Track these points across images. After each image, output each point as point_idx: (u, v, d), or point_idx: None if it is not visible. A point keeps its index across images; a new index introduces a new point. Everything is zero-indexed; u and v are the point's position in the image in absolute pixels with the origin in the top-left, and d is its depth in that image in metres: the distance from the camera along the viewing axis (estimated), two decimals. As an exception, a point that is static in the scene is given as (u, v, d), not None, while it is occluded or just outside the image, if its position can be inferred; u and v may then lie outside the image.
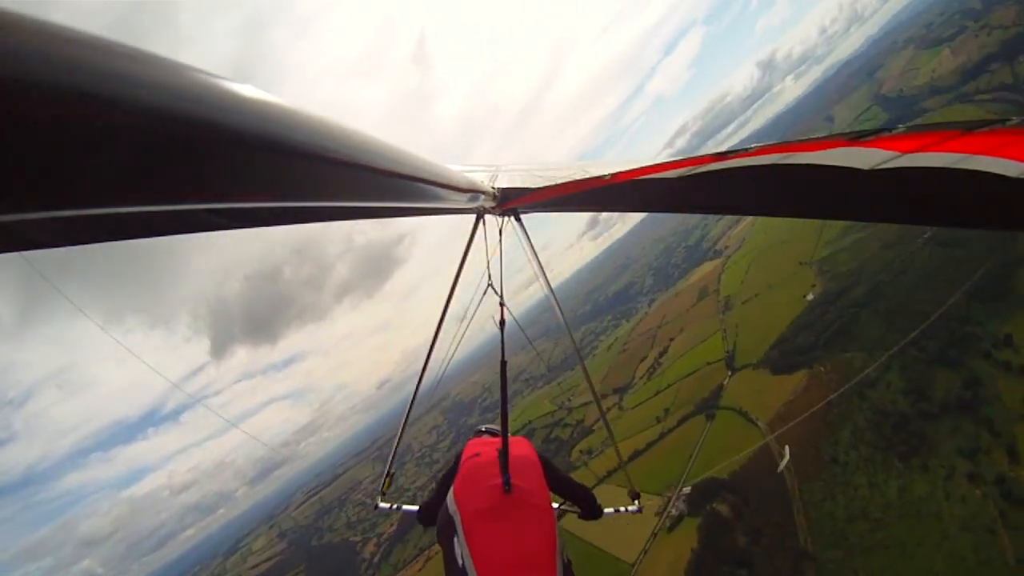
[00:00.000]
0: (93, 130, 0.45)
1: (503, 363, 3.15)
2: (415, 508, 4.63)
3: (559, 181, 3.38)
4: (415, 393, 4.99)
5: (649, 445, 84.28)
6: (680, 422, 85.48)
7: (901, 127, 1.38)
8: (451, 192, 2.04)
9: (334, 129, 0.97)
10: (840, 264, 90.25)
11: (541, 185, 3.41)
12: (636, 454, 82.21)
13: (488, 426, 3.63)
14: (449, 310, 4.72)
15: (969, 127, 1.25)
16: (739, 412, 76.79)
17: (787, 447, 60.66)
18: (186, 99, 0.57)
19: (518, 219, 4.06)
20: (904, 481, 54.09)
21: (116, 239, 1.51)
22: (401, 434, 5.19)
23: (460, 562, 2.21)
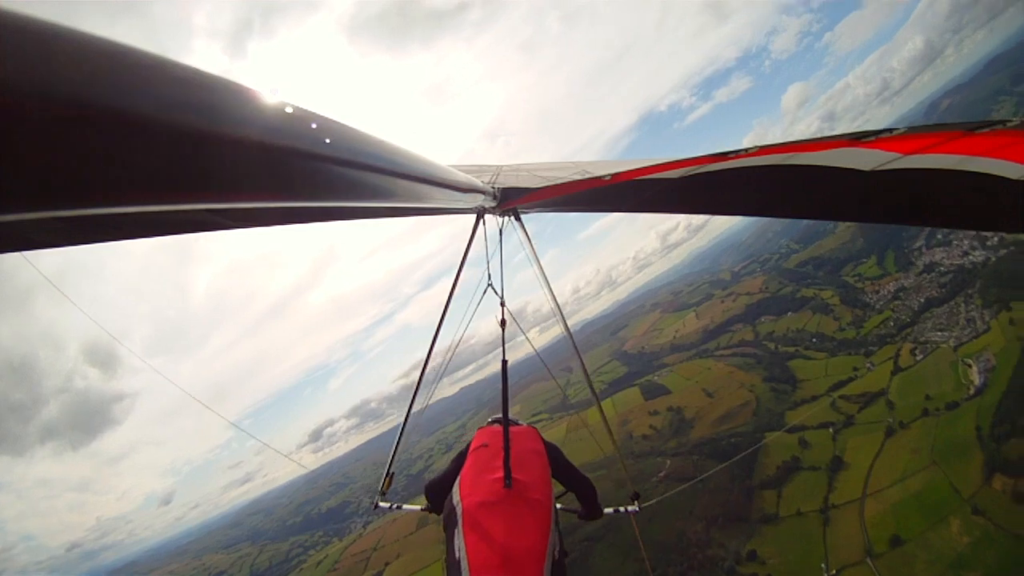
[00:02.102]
0: (93, 130, 0.45)
1: (504, 362, 3.20)
2: (415, 507, 4.64)
3: (559, 181, 3.38)
4: (416, 389, 5.00)
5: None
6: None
7: (901, 128, 1.37)
8: (452, 192, 2.04)
9: (334, 128, 0.96)
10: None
11: (542, 185, 3.41)
12: None
13: (500, 416, 3.63)
14: (449, 311, 4.73)
15: (971, 128, 1.25)
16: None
17: None
18: (187, 99, 0.57)
19: (518, 219, 4.06)
20: None
21: (116, 239, 1.51)
22: (402, 432, 5.19)
23: (457, 555, 2.25)
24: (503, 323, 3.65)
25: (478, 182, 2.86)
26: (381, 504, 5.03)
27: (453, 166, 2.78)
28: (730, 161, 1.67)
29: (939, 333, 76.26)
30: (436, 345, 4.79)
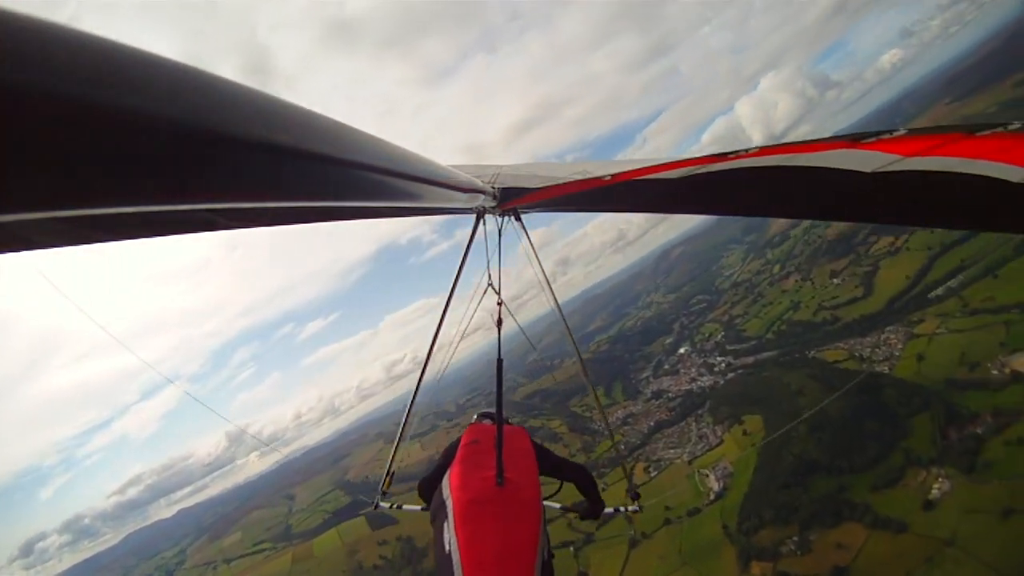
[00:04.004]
0: (93, 130, 0.45)
1: (499, 361, 3.21)
2: (416, 507, 4.65)
3: (560, 181, 3.38)
4: (416, 390, 5.01)
5: None
6: None
7: (902, 129, 1.37)
8: (452, 192, 2.04)
9: (334, 128, 0.96)
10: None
11: (542, 185, 3.41)
12: None
13: (490, 411, 3.62)
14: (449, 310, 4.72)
15: (971, 130, 1.25)
16: None
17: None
18: (186, 98, 0.57)
19: (518, 219, 4.05)
20: None
21: (116, 239, 1.50)
22: (402, 432, 5.20)
23: (447, 549, 2.26)
24: (499, 322, 3.66)
25: (478, 182, 2.86)
26: (382, 504, 5.04)
27: (453, 166, 2.78)
28: (730, 161, 1.67)
29: (672, 451, 79.93)
30: (433, 347, 4.79)
